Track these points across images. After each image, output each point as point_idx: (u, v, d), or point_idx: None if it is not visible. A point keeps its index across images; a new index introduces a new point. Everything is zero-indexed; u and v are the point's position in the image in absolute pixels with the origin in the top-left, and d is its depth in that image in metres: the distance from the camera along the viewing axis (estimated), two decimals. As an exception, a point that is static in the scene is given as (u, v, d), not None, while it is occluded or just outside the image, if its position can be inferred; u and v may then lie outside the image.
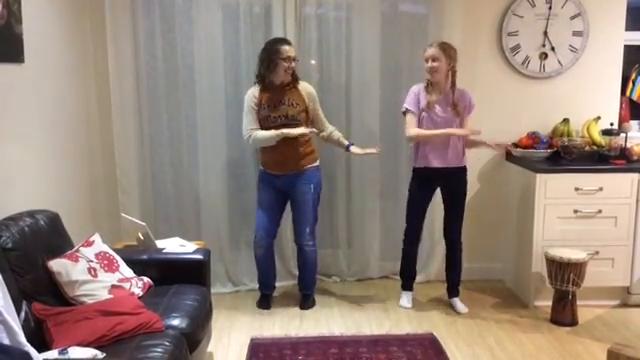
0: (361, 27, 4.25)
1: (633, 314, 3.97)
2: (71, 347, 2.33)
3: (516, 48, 4.32)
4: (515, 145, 4.30)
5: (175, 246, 3.52)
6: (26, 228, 2.69)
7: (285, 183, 3.92)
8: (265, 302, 4.09)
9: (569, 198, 3.93)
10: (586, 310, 3.92)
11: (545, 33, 4.31)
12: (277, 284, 4.28)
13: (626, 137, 4.15)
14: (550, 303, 3.87)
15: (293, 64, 3.78)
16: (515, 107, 4.39)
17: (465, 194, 3.95)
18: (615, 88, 4.41)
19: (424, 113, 3.78)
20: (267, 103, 3.83)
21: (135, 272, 3.09)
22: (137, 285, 3.00)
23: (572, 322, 3.78)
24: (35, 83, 3.28)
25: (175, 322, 2.71)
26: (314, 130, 3.87)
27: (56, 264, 2.73)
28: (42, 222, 2.84)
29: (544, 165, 4.01)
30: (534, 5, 4.27)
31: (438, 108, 3.77)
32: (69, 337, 2.42)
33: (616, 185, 3.94)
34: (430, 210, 4.08)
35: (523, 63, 4.34)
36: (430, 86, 3.79)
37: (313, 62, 4.30)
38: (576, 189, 3.93)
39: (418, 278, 4.25)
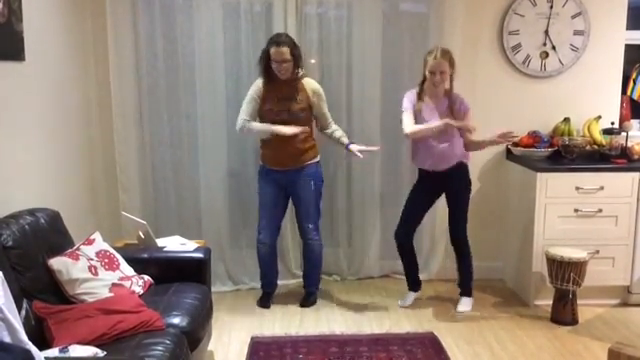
0: (362, 26, 4.25)
1: (633, 313, 3.97)
2: (72, 345, 2.33)
3: (517, 47, 4.32)
4: (516, 144, 4.29)
5: (175, 244, 3.52)
6: (27, 226, 2.69)
7: (285, 179, 3.91)
8: (266, 300, 4.09)
9: (570, 197, 3.93)
10: (586, 309, 3.92)
11: (546, 32, 4.30)
12: (278, 283, 4.29)
13: (627, 136, 4.15)
14: (550, 302, 3.87)
15: (285, 65, 3.73)
16: (516, 106, 4.39)
17: (466, 193, 3.90)
18: (616, 87, 4.41)
19: (420, 118, 3.74)
20: (271, 96, 3.82)
21: (136, 270, 3.10)
22: (138, 283, 3.00)
23: (572, 321, 3.78)
24: (36, 81, 3.28)
25: (176, 320, 2.71)
26: (306, 129, 3.82)
27: (57, 262, 2.73)
28: (43, 220, 2.84)
29: (545, 164, 4.01)
30: (535, 4, 4.27)
31: (434, 116, 3.73)
32: (70, 335, 2.42)
33: (617, 184, 3.94)
34: (430, 209, 4.06)
35: (524, 62, 4.34)
36: (422, 92, 3.77)
37: (313, 61, 4.29)
38: (577, 188, 3.93)
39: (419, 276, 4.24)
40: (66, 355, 2.26)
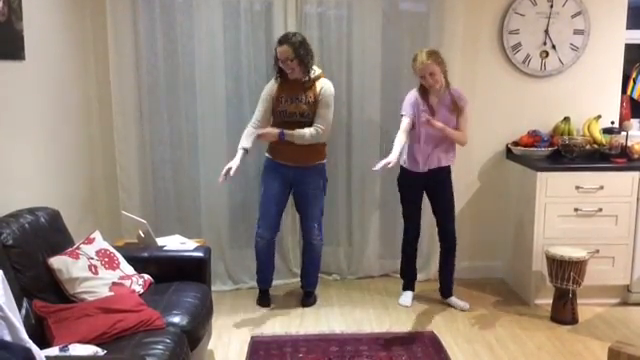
0: (362, 25, 4.25)
1: (633, 313, 3.97)
2: (72, 344, 2.32)
3: (517, 46, 4.32)
4: (516, 144, 4.30)
5: (175, 244, 3.52)
6: (27, 225, 2.69)
7: (292, 175, 3.89)
8: (265, 299, 4.09)
9: (570, 197, 3.93)
10: (586, 308, 3.92)
11: (546, 31, 4.30)
12: (278, 282, 4.30)
13: (627, 136, 4.15)
14: (550, 301, 3.87)
15: (290, 64, 3.73)
16: (516, 105, 4.39)
17: (452, 192, 3.93)
18: (616, 87, 4.41)
19: (422, 120, 3.74)
20: (285, 97, 3.81)
21: (136, 269, 3.10)
22: (138, 282, 3.00)
23: (572, 320, 3.78)
24: (36, 80, 3.28)
25: (176, 319, 2.71)
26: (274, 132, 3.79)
27: (57, 261, 2.73)
28: (43, 219, 2.84)
29: (545, 163, 4.01)
30: (535, 3, 4.27)
31: (442, 111, 3.76)
32: (70, 334, 2.42)
33: (617, 184, 3.94)
34: (430, 209, 4.07)
35: (524, 61, 4.34)
36: (424, 91, 3.77)
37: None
38: (577, 187, 3.93)
39: (418, 277, 4.25)
40: (66, 354, 2.25)
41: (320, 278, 4.35)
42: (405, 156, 3.88)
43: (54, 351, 2.27)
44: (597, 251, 3.94)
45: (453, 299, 4.07)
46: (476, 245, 4.48)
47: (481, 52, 4.34)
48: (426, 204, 4.06)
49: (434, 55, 3.69)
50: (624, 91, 4.44)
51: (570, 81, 4.38)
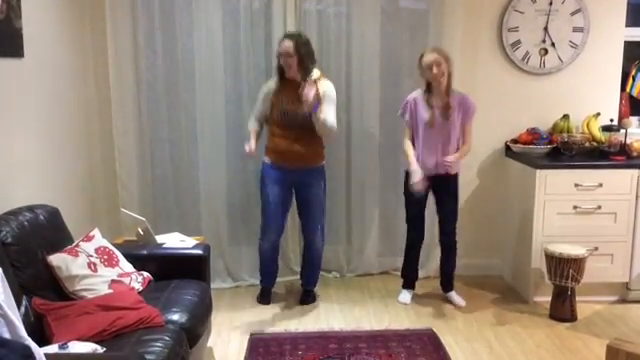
0: (361, 23, 4.24)
1: (632, 310, 3.97)
2: (71, 342, 2.33)
3: (516, 44, 4.32)
4: (515, 141, 4.30)
5: (175, 241, 3.52)
6: (26, 223, 2.69)
7: (292, 178, 3.87)
8: (266, 297, 4.10)
9: (569, 194, 3.94)
10: (585, 306, 3.93)
11: (545, 29, 4.30)
12: (278, 280, 4.29)
13: (626, 133, 4.15)
14: (549, 299, 3.88)
15: (290, 60, 3.69)
16: (515, 103, 4.39)
17: (457, 196, 3.95)
18: (615, 84, 4.41)
19: (421, 118, 3.75)
20: (284, 95, 3.77)
21: (135, 267, 3.10)
22: (137, 280, 3.00)
23: (571, 318, 3.79)
24: (34, 78, 3.27)
25: (175, 317, 2.71)
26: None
27: (56, 259, 2.74)
28: (42, 217, 2.84)
29: (544, 161, 4.01)
30: (534, 1, 4.27)
31: (437, 120, 3.76)
32: (69, 332, 2.42)
33: (616, 181, 3.94)
34: (432, 208, 4.07)
35: (523, 59, 4.34)
36: (430, 92, 3.78)
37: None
38: (576, 185, 3.93)
39: (418, 274, 4.24)
40: (66, 351, 2.25)
41: (320, 276, 4.36)
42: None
43: (53, 348, 2.27)
44: (596, 248, 3.94)
45: (452, 294, 4.07)
46: (475, 242, 4.48)
47: (480, 49, 4.34)
48: (430, 204, 4.06)
49: (442, 50, 3.75)
50: (623, 88, 4.43)
51: (569, 79, 4.38)
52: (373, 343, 3.46)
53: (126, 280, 2.94)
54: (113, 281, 2.88)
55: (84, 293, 2.75)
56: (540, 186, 3.92)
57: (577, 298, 3.81)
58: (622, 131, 4.18)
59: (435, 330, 3.63)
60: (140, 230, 3.54)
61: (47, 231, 2.83)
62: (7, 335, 1.90)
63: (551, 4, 4.27)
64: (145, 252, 3.26)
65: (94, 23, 4.09)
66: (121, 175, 4.24)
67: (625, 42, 4.38)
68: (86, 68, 4.06)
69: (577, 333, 3.63)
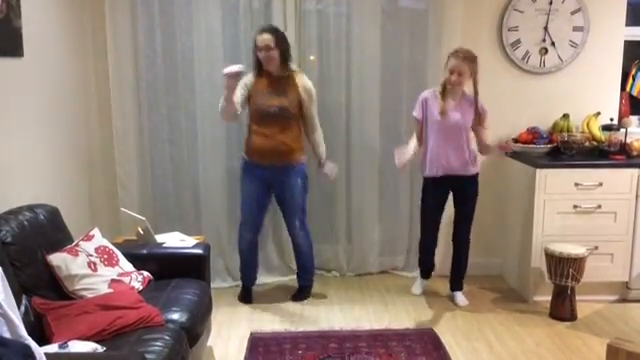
0: (361, 23, 4.24)
1: (632, 309, 3.97)
2: (71, 341, 2.33)
3: (516, 43, 4.32)
4: (515, 140, 4.30)
5: (175, 241, 3.52)
6: (26, 222, 2.69)
7: (271, 176, 3.87)
8: (248, 296, 4.11)
9: (569, 193, 3.94)
10: (585, 305, 3.93)
11: (545, 28, 4.30)
12: (276, 279, 4.30)
13: (626, 132, 4.15)
14: (549, 298, 3.88)
15: (271, 53, 3.69)
16: (515, 102, 4.39)
17: (475, 198, 3.94)
18: (615, 83, 4.41)
19: (435, 117, 3.75)
20: (262, 90, 3.77)
21: (135, 266, 3.10)
22: (137, 279, 3.00)
23: (571, 317, 3.79)
24: (34, 77, 3.27)
25: (175, 316, 2.71)
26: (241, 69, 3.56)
27: (56, 258, 2.74)
28: (42, 216, 2.84)
29: (544, 160, 4.01)
30: (534, 0, 4.26)
31: (450, 114, 3.75)
32: (69, 331, 2.43)
33: (616, 180, 3.94)
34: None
35: (523, 58, 4.34)
36: (445, 92, 3.77)
37: (312, 57, 4.29)
38: (576, 184, 3.93)
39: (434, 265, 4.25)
40: (65, 351, 2.25)
41: (320, 275, 4.36)
42: (427, 163, 3.86)
43: (53, 348, 2.27)
44: (596, 248, 3.94)
45: (458, 293, 4.06)
46: (475, 242, 4.45)
47: (480, 49, 4.31)
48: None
49: (470, 56, 3.71)
50: (623, 88, 4.43)
51: (569, 78, 4.38)
52: (373, 342, 3.46)
53: (126, 279, 2.94)
54: (113, 280, 2.88)
55: (84, 292, 2.75)
56: (540, 185, 3.92)
57: (577, 297, 3.81)
58: (622, 130, 4.18)
59: (435, 329, 3.63)
60: (140, 229, 3.54)
61: (47, 230, 2.82)
62: (7, 334, 1.90)
63: (551, 3, 4.26)
64: (145, 251, 3.26)
65: (94, 23, 4.08)
66: (121, 174, 4.24)
67: (625, 41, 4.38)
68: (86, 68, 4.06)
69: (577, 332, 3.63)
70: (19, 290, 2.46)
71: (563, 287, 3.77)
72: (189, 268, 3.19)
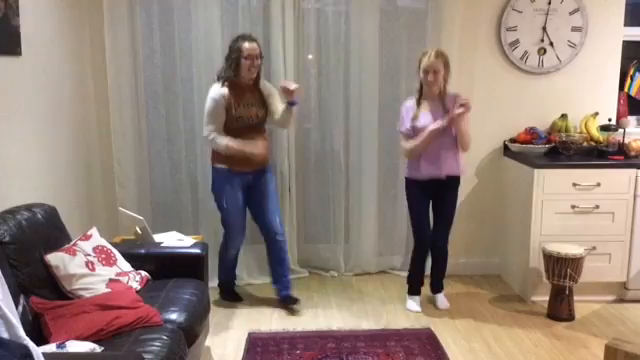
0: (360, 22, 4.24)
1: (629, 309, 3.98)
2: (69, 341, 2.32)
3: (515, 43, 4.32)
4: (513, 140, 4.30)
5: (173, 240, 3.52)
6: (24, 222, 2.68)
7: (250, 180, 3.85)
8: (233, 293, 4.12)
9: (567, 193, 3.94)
10: (583, 305, 3.93)
11: (544, 28, 4.30)
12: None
13: (624, 133, 4.16)
14: (547, 298, 3.88)
15: (258, 62, 3.66)
16: (513, 102, 4.39)
17: (455, 205, 3.88)
18: (613, 84, 4.41)
19: (419, 124, 3.67)
20: (237, 103, 3.70)
21: (133, 266, 3.09)
22: (135, 279, 2.99)
23: (569, 317, 3.79)
24: (32, 76, 3.26)
25: (173, 316, 2.71)
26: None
27: (54, 258, 2.73)
28: (40, 216, 2.83)
29: (542, 160, 4.01)
30: (533, 0, 4.27)
31: (431, 118, 3.66)
32: (67, 331, 2.42)
33: (614, 181, 3.94)
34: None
35: (522, 58, 4.34)
36: (421, 97, 3.71)
37: (310, 57, 4.29)
38: (574, 184, 3.93)
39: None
40: (63, 350, 2.25)
41: (318, 275, 4.36)
42: (420, 165, 3.75)
43: (51, 348, 2.27)
44: (594, 248, 3.95)
45: (440, 296, 4.02)
46: (473, 242, 4.49)
47: (479, 49, 4.34)
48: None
49: (444, 55, 3.64)
50: (621, 88, 4.44)
51: (568, 78, 4.38)
52: (371, 342, 3.46)
53: (124, 279, 2.93)
54: (111, 280, 2.87)
55: (82, 292, 2.74)
56: (538, 185, 3.92)
57: (575, 297, 3.81)
58: (620, 131, 4.18)
59: (433, 329, 3.64)
60: (138, 229, 3.53)
61: (45, 230, 2.82)
62: (5, 334, 1.89)
63: (550, 3, 4.27)
64: (143, 251, 3.26)
65: (92, 22, 4.07)
66: (119, 174, 4.24)
67: (623, 42, 4.38)
68: (84, 66, 4.05)
69: (575, 332, 3.63)
70: (17, 290, 2.46)
71: (561, 287, 3.77)
72: (187, 268, 3.18)
